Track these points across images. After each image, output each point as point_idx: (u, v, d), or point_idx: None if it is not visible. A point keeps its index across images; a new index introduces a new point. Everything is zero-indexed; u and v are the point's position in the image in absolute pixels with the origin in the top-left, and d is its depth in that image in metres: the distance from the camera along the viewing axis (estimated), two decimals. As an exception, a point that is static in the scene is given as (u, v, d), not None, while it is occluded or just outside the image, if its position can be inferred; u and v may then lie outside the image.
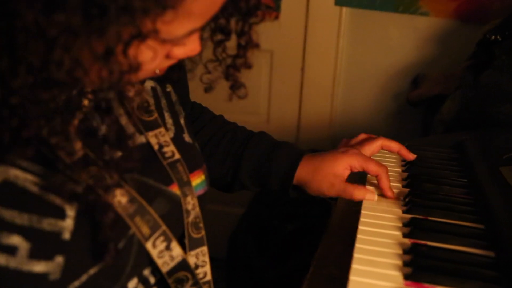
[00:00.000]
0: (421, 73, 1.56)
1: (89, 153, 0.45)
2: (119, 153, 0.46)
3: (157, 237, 0.50)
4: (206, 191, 0.60)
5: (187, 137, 0.60)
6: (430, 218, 0.65)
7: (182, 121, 0.62)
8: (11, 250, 0.40)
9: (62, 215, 0.43)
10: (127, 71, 0.38)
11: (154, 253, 0.50)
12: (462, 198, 0.70)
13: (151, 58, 0.42)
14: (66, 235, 0.43)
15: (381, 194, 0.72)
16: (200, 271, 0.56)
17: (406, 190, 0.73)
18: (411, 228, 0.61)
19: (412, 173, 0.78)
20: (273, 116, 1.78)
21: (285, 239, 1.55)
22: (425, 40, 1.58)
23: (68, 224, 0.43)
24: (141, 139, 0.54)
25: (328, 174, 0.71)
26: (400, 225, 0.63)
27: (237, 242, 1.65)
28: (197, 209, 0.56)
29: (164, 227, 0.50)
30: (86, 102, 0.47)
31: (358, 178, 0.77)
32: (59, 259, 0.42)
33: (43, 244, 0.42)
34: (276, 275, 1.52)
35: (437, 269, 0.53)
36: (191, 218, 0.55)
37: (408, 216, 0.65)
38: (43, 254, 0.42)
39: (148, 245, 0.49)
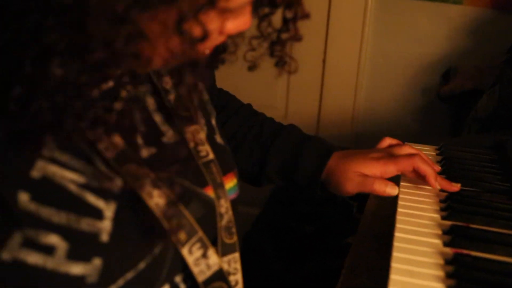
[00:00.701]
0: (453, 66, 1.54)
1: (127, 150, 0.45)
2: (154, 150, 0.46)
3: (194, 244, 0.50)
4: (237, 195, 0.59)
5: (218, 139, 0.60)
6: (472, 225, 0.63)
7: (213, 122, 0.61)
8: (49, 250, 0.40)
9: (100, 216, 0.43)
10: (197, 40, 0.39)
11: (190, 260, 0.50)
12: (506, 204, 0.69)
13: (210, 32, 0.42)
14: (104, 237, 0.43)
15: (416, 198, 0.70)
16: (231, 279, 0.55)
17: (443, 194, 0.71)
18: (452, 236, 0.60)
19: (449, 176, 0.76)
20: (291, 111, 1.77)
21: (303, 241, 1.54)
22: (458, 30, 1.56)
23: (106, 225, 0.43)
24: (175, 137, 0.53)
25: (349, 171, 0.70)
26: (440, 232, 0.62)
27: (251, 243, 1.64)
28: (230, 212, 0.55)
29: (200, 233, 0.50)
30: (124, 93, 0.46)
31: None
32: (97, 262, 0.42)
33: (81, 245, 0.41)
34: (293, 279, 1.51)
35: (483, 282, 0.52)
36: (224, 222, 0.54)
37: (448, 223, 0.63)
38: (81, 256, 0.41)
39: (184, 252, 0.49)
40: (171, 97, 0.54)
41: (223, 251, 0.54)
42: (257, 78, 1.75)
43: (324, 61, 1.68)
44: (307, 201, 1.59)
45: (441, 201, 0.70)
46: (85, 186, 0.43)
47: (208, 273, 0.51)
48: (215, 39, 0.45)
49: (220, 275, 0.52)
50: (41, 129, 0.38)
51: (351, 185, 0.70)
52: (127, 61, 0.37)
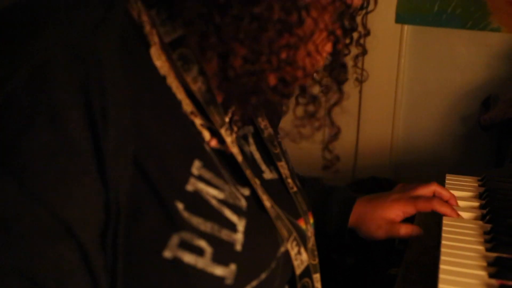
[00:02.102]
0: (493, 94, 1.56)
1: (244, 160, 0.56)
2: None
3: (292, 241, 0.57)
4: (313, 233, 0.66)
5: (296, 181, 0.68)
6: (517, 257, 0.65)
7: (290, 165, 0.69)
8: (200, 252, 0.48)
9: (234, 229, 0.50)
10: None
11: (292, 254, 0.57)
12: (551, 236, 0.71)
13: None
14: (238, 247, 0.50)
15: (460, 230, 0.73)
16: None
17: (488, 226, 0.74)
18: (498, 268, 0.62)
19: (493, 208, 0.79)
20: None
21: (345, 273, 1.56)
22: (497, 57, 1.58)
23: (239, 237, 0.50)
24: (273, 174, 0.62)
25: (377, 218, 0.80)
26: (485, 264, 0.64)
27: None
28: (313, 237, 0.63)
29: (295, 233, 0.58)
30: (235, 129, 0.57)
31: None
32: (233, 267, 0.49)
33: (222, 251, 0.49)
34: (336, 313, 1.52)
35: (530, 314, 0.54)
36: (310, 245, 0.62)
37: (493, 255, 0.66)
38: (222, 260, 0.49)
39: (288, 246, 0.57)
40: (265, 135, 0.63)
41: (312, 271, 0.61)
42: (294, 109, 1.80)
43: (360, 91, 1.73)
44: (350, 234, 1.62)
45: (485, 233, 0.73)
46: (223, 202, 0.51)
47: (302, 267, 0.59)
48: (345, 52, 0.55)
49: (308, 272, 0.60)
50: (248, 90, 0.46)
51: (381, 232, 0.81)
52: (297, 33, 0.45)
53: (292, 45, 0.46)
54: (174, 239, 0.46)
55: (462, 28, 1.59)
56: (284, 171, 0.63)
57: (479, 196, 0.85)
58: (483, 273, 0.62)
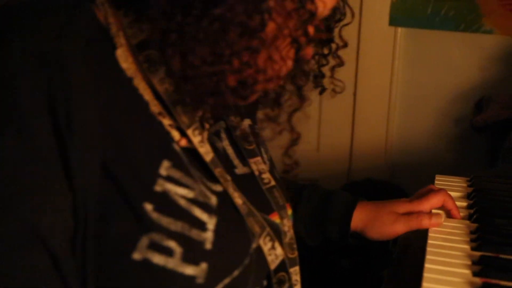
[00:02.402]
0: (486, 96, 1.57)
1: (216, 157, 0.56)
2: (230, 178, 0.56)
3: (265, 236, 0.58)
4: (293, 223, 0.67)
5: (276, 173, 0.69)
6: (502, 256, 0.66)
7: (268, 157, 0.70)
8: (169, 252, 0.49)
9: (204, 228, 0.52)
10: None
11: (265, 249, 0.58)
12: (537, 235, 0.71)
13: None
14: (208, 245, 0.51)
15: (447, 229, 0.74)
16: None
17: (474, 225, 0.75)
18: (482, 267, 0.63)
19: (480, 208, 0.79)
20: (324, 144, 1.82)
21: (340, 275, 1.56)
22: (490, 59, 1.59)
23: (209, 235, 0.52)
24: (244, 169, 0.63)
25: (392, 213, 0.77)
26: (470, 263, 0.65)
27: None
28: (292, 231, 0.64)
29: (268, 229, 0.59)
30: (207, 126, 0.58)
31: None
32: (204, 266, 0.50)
33: (192, 251, 0.50)
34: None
35: (512, 311, 0.55)
36: (287, 239, 0.63)
37: (478, 253, 0.67)
38: (192, 260, 0.50)
39: (261, 242, 0.58)
40: (238, 132, 0.64)
41: (288, 264, 0.62)
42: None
43: (354, 94, 1.74)
44: (354, 238, 1.62)
45: (471, 232, 0.73)
46: (193, 201, 0.52)
47: (277, 262, 0.60)
48: (310, 59, 0.57)
49: (283, 266, 0.61)
50: (206, 91, 0.47)
51: (399, 226, 0.76)
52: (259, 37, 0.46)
53: (254, 48, 0.46)
54: (144, 241, 0.47)
55: (455, 30, 1.60)
56: (259, 166, 0.64)
57: (467, 196, 0.86)
58: (467, 271, 0.63)
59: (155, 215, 0.48)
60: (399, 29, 1.64)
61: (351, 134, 1.78)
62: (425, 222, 0.74)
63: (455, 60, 1.62)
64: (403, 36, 1.66)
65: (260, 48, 0.46)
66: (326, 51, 0.63)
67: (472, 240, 0.71)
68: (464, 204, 0.84)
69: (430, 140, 1.71)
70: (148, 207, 0.48)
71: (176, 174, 0.51)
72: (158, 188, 0.49)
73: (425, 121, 1.70)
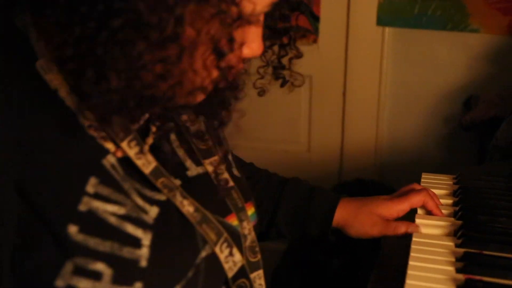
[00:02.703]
0: (474, 94, 1.58)
1: (159, 166, 0.54)
2: (179, 183, 0.54)
3: (222, 243, 0.57)
4: (256, 223, 0.66)
5: (235, 171, 0.67)
6: (485, 252, 0.67)
7: (230, 157, 0.68)
8: (97, 276, 0.47)
9: (138, 244, 0.50)
10: (233, 47, 0.45)
11: (222, 257, 0.57)
12: (520, 231, 0.72)
13: (239, 44, 0.48)
14: (143, 263, 0.49)
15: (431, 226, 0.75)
16: None
17: (459, 222, 0.75)
18: (465, 263, 0.63)
19: (465, 205, 0.80)
20: (314, 145, 1.82)
21: (332, 275, 1.57)
22: (477, 58, 1.60)
23: (144, 252, 0.50)
24: (198, 170, 0.60)
25: (373, 214, 0.77)
26: (453, 260, 0.66)
27: (280, 278, 1.68)
28: (253, 233, 0.62)
29: (226, 234, 0.57)
30: (154, 129, 0.55)
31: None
32: (138, 285, 0.49)
33: (124, 271, 0.48)
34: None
35: (494, 306, 0.56)
36: (248, 243, 0.61)
37: (461, 250, 0.67)
38: (124, 280, 0.48)
39: (217, 250, 0.56)
40: (191, 131, 0.62)
41: (250, 269, 0.61)
42: (279, 113, 1.82)
43: (344, 94, 1.74)
44: (335, 235, 1.63)
45: (455, 230, 0.74)
46: (125, 217, 0.50)
47: (235, 269, 0.59)
48: (237, 66, 0.52)
49: (244, 272, 0.60)
50: (110, 108, 0.44)
51: (376, 229, 0.77)
52: (175, 46, 0.42)
53: (169, 60, 0.43)
54: (68, 267, 0.46)
55: (442, 29, 1.61)
56: (217, 166, 0.62)
57: (453, 194, 0.87)
58: (451, 268, 0.64)
59: (80, 237, 0.46)
60: (387, 29, 1.66)
61: (341, 134, 1.79)
62: (400, 231, 0.75)
63: (443, 59, 1.64)
64: (391, 36, 1.67)
65: (176, 59, 0.43)
66: (285, 41, 0.61)
67: (456, 237, 0.72)
68: (450, 201, 0.84)
69: (419, 139, 1.72)
70: (73, 229, 0.46)
71: (105, 190, 0.49)
72: (82, 207, 0.47)
73: (414, 121, 1.72)
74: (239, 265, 0.59)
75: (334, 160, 1.80)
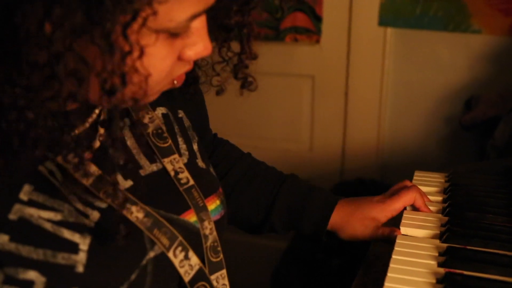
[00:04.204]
0: (475, 95, 1.58)
1: (103, 175, 0.52)
2: (131, 183, 0.53)
3: (176, 247, 0.56)
4: (222, 215, 0.65)
5: (200, 162, 0.66)
6: (469, 247, 0.67)
7: (195, 147, 0.68)
8: (28, 285, 0.47)
9: (75, 250, 0.50)
10: (137, 71, 0.43)
11: (176, 262, 0.56)
12: (506, 227, 0.73)
13: (162, 57, 0.47)
14: (80, 268, 0.49)
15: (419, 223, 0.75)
16: None
17: (446, 218, 0.76)
18: (446, 257, 0.64)
19: (454, 202, 0.81)
20: (316, 144, 1.83)
21: (331, 274, 1.58)
22: (479, 59, 1.60)
23: (81, 257, 0.50)
24: (152, 167, 0.60)
25: (365, 218, 0.77)
26: (436, 254, 0.66)
27: (280, 277, 1.69)
28: (215, 233, 0.62)
29: (180, 238, 0.56)
30: (102, 131, 0.54)
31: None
32: None
33: (58, 277, 0.48)
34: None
35: (472, 299, 0.56)
36: (209, 243, 0.61)
37: (445, 245, 0.68)
38: (59, 287, 0.48)
39: (170, 255, 0.55)
40: (149, 130, 0.61)
41: (211, 270, 0.60)
42: (281, 113, 1.83)
43: (346, 94, 1.75)
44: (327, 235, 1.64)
45: (442, 225, 0.75)
46: (61, 223, 0.49)
47: (192, 273, 0.58)
48: (180, 68, 0.51)
49: (202, 275, 0.59)
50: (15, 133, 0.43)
51: (367, 233, 0.78)
52: (65, 85, 0.41)
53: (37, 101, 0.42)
54: None
55: (444, 30, 1.61)
56: (176, 165, 0.61)
57: (444, 191, 0.87)
58: (433, 262, 0.64)
59: (12, 246, 0.46)
60: (389, 29, 1.66)
61: (343, 133, 1.79)
62: (386, 234, 0.76)
63: (444, 60, 1.64)
64: (393, 36, 1.67)
65: (66, 96, 0.42)
66: (242, 38, 0.58)
67: (442, 233, 0.72)
68: (440, 198, 0.85)
69: (421, 139, 1.72)
70: (3, 238, 0.46)
71: (40, 197, 0.49)
72: (12, 216, 0.47)
73: (415, 120, 1.72)
74: (196, 268, 0.58)
75: (336, 159, 1.81)
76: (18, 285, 0.47)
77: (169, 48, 0.47)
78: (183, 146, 0.65)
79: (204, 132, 0.79)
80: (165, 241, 0.55)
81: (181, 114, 0.69)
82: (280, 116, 1.84)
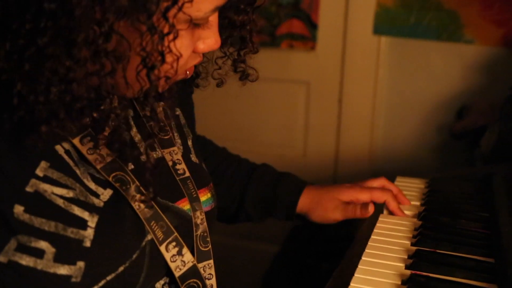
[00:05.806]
0: (467, 104, 1.59)
1: (114, 161, 0.56)
2: (132, 167, 0.57)
3: (170, 242, 0.59)
4: (212, 208, 0.69)
5: (194, 158, 0.70)
6: (438, 250, 0.68)
7: (189, 143, 0.71)
8: (39, 253, 0.50)
9: (84, 226, 0.53)
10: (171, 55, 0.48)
11: (167, 256, 0.58)
12: (478, 232, 0.74)
13: (187, 44, 0.52)
14: (87, 243, 0.52)
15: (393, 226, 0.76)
16: (207, 283, 0.64)
17: (419, 222, 0.77)
18: (414, 260, 0.65)
19: (430, 207, 0.82)
20: (310, 150, 1.84)
21: (321, 279, 1.58)
22: (471, 69, 1.61)
23: (89, 233, 0.53)
24: (152, 155, 0.61)
25: (334, 199, 0.81)
26: (405, 257, 0.67)
27: (271, 282, 1.69)
28: (205, 223, 0.65)
29: (175, 234, 0.59)
30: (113, 116, 0.57)
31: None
32: (81, 264, 0.52)
33: (67, 250, 0.51)
34: (312, 318, 1.54)
35: (434, 300, 0.57)
36: (199, 232, 0.64)
37: (414, 248, 0.69)
38: (67, 259, 0.51)
39: (162, 249, 0.58)
40: (153, 123, 0.63)
41: (199, 258, 0.63)
42: (276, 118, 1.85)
43: (340, 101, 1.76)
44: (325, 239, 1.64)
45: (415, 229, 0.76)
46: (72, 200, 0.53)
47: (184, 269, 0.60)
48: (192, 60, 0.56)
49: (195, 272, 0.61)
50: (38, 120, 0.47)
51: (338, 213, 0.82)
52: (108, 61, 0.45)
53: (83, 76, 0.45)
54: (12, 244, 0.49)
55: (437, 40, 1.62)
56: (174, 157, 0.65)
57: (422, 197, 0.88)
58: (401, 264, 0.66)
59: (26, 217, 0.50)
60: (383, 38, 1.67)
61: (336, 140, 1.80)
62: (357, 213, 0.79)
63: (437, 69, 1.65)
64: (387, 45, 1.68)
65: (108, 72, 0.46)
66: (244, 35, 0.63)
67: (414, 236, 0.73)
68: (417, 203, 0.86)
69: (413, 147, 1.73)
70: (19, 208, 0.49)
71: (55, 174, 0.52)
72: (29, 189, 0.50)
73: (408, 128, 1.73)
74: (189, 265, 0.60)
75: (329, 165, 1.82)
76: (30, 252, 0.49)
77: (191, 37, 0.53)
78: (178, 141, 0.69)
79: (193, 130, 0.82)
80: (160, 234, 0.57)
81: (178, 112, 0.73)
82: (275, 122, 1.85)
